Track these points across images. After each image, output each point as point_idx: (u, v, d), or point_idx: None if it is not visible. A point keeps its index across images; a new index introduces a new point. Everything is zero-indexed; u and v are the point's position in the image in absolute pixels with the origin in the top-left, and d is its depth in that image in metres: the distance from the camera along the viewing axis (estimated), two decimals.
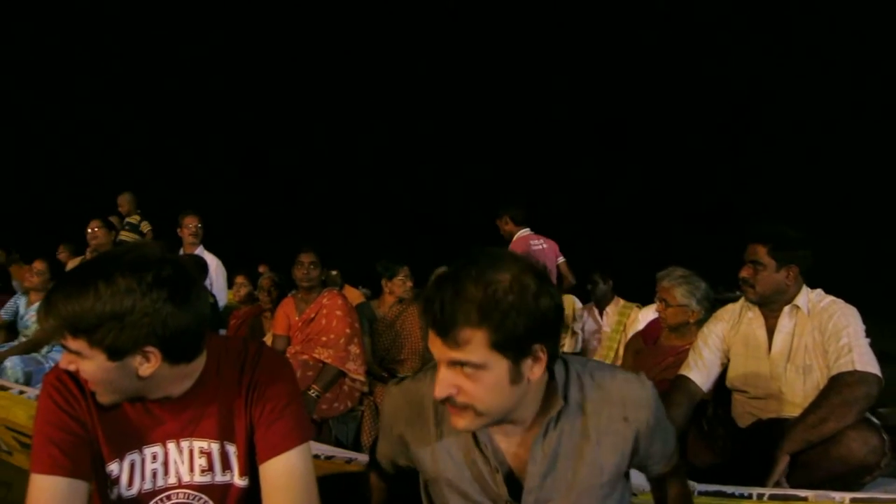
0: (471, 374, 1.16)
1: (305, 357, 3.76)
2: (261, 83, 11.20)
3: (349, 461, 2.74)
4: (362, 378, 3.84)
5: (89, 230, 4.96)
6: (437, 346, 1.18)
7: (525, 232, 5.51)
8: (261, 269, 6.40)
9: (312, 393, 3.58)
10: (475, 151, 11.15)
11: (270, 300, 4.61)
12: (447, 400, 1.19)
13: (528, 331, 1.14)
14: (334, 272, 6.28)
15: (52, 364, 4.36)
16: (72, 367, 1.22)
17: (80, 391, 1.30)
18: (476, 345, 1.13)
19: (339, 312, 3.86)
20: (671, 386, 2.63)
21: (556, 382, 1.29)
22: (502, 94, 11.05)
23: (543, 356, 1.19)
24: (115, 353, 1.18)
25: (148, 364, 1.22)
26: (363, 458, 2.81)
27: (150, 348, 1.21)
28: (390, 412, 1.44)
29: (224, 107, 11.18)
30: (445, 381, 1.18)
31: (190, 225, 5.03)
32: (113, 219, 6.04)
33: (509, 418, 1.26)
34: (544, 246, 5.45)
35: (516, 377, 1.17)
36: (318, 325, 3.86)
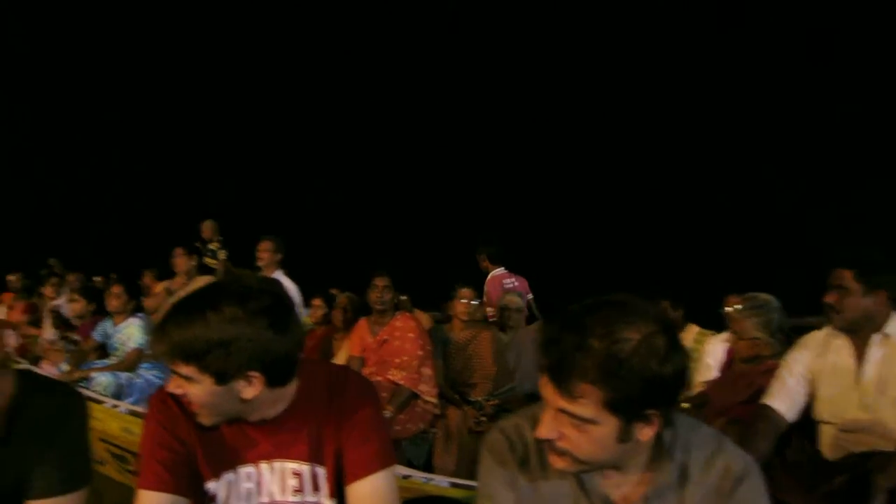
0: (578, 425, 1.12)
1: (379, 378, 3.84)
2: (329, 114, 11.51)
3: (427, 481, 2.78)
4: (434, 400, 3.89)
5: (174, 257, 5.23)
6: (548, 391, 1.14)
7: (500, 271, 5.96)
8: (333, 291, 6.54)
9: (386, 414, 3.65)
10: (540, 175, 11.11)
11: (344, 320, 4.68)
12: (548, 441, 1.17)
13: (645, 395, 1.10)
14: (404, 297, 6.37)
15: (143, 380, 4.60)
16: (179, 391, 1.29)
17: (183, 412, 1.36)
18: (589, 400, 1.09)
19: (411, 335, 3.93)
20: (754, 414, 2.56)
21: (664, 441, 1.23)
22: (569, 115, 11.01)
23: (657, 421, 1.14)
24: (222, 377, 1.25)
25: (251, 388, 1.28)
26: (440, 479, 2.85)
27: (253, 373, 1.27)
28: (492, 453, 1.35)
29: (301, 138, 11.54)
30: (551, 426, 1.15)
31: (267, 250, 5.22)
32: (196, 244, 6.34)
33: (611, 467, 1.23)
34: (516, 284, 5.85)
35: (624, 436, 1.13)
36: (391, 347, 3.94)
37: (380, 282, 4.04)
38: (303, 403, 1.40)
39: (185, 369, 1.25)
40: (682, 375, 1.14)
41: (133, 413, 3.94)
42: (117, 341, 4.79)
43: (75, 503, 1.43)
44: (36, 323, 6.40)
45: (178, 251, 5.24)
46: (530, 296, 6.05)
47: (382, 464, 1.40)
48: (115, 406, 4.03)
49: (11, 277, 7.78)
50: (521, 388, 4.43)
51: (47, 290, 6.51)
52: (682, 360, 1.13)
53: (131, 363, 4.60)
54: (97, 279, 7.36)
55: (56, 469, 1.40)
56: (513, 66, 11.06)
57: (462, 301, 4.24)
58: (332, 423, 1.41)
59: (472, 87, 11.16)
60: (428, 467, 3.71)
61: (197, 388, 1.27)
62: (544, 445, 1.21)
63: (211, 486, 1.38)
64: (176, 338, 1.23)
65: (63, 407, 1.46)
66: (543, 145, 10.95)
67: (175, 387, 1.29)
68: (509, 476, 1.30)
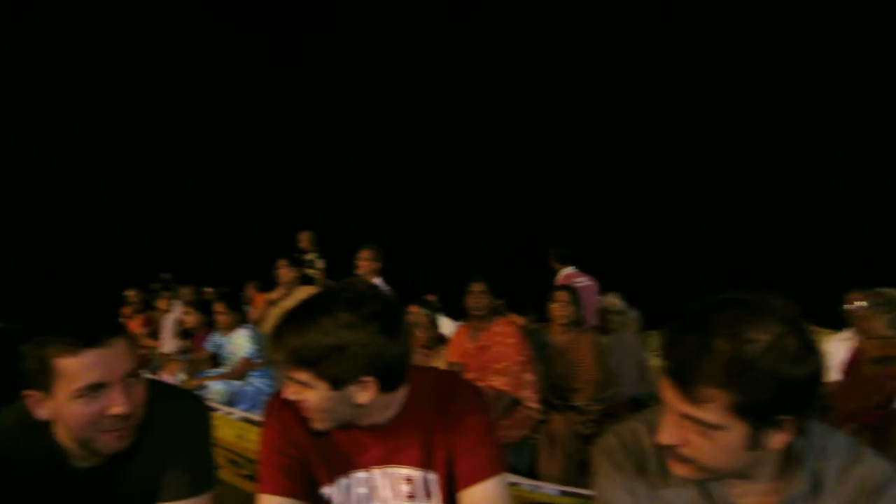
0: (703, 431, 1.06)
1: (481, 384, 3.82)
2: (418, 125, 11.67)
3: (534, 489, 2.74)
4: (536, 406, 3.84)
5: (278, 269, 5.41)
6: (670, 395, 1.08)
7: (569, 270, 5.94)
8: (429, 298, 6.60)
9: None
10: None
11: (427, 338, 4.41)
12: (670, 447, 1.11)
13: (777, 400, 1.02)
14: (498, 301, 6.36)
15: (253, 388, 4.79)
16: (296, 398, 1.32)
17: (297, 418, 1.38)
18: (715, 405, 1.03)
19: (511, 340, 3.90)
20: (889, 420, 2.37)
21: (795, 448, 1.15)
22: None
23: (790, 428, 1.06)
24: (337, 382, 1.27)
25: (365, 393, 1.30)
26: (549, 486, 2.80)
27: (367, 378, 1.28)
28: (608, 458, 1.29)
29: (393, 149, 11.76)
30: (673, 431, 1.10)
31: (366, 259, 5.33)
32: (295, 255, 6.55)
33: (738, 476, 1.16)
34: (587, 283, 5.79)
35: (753, 444, 1.07)
36: (491, 353, 3.92)
37: (476, 287, 4.05)
38: (412, 409, 1.40)
39: (302, 375, 1.27)
40: (816, 378, 1.05)
41: (246, 419, 4.11)
42: (228, 351, 5.00)
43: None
44: (154, 335, 6.80)
45: (282, 263, 5.42)
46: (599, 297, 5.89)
47: (494, 470, 1.38)
48: (229, 413, 4.22)
49: (129, 293, 8.29)
50: (625, 393, 4.31)
51: (162, 304, 6.88)
52: (816, 362, 1.04)
53: (241, 372, 4.80)
54: (207, 290, 7.73)
55: (184, 473, 1.44)
56: (588, 75, 10.88)
57: (559, 304, 4.17)
58: (443, 429, 1.40)
59: (554, 98, 11.07)
60: (530, 474, 3.66)
61: (313, 394, 1.29)
62: (665, 451, 1.15)
63: (326, 490, 1.40)
64: (292, 344, 1.26)
65: (189, 413, 1.51)
66: (625, 147, 10.73)
67: (291, 393, 1.32)
68: (627, 482, 1.25)
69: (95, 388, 1.26)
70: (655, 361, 5.12)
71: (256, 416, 4.13)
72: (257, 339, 5.01)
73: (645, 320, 5.47)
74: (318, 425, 1.35)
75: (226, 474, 4.06)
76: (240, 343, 4.96)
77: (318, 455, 1.39)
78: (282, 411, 1.41)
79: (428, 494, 1.40)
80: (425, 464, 1.40)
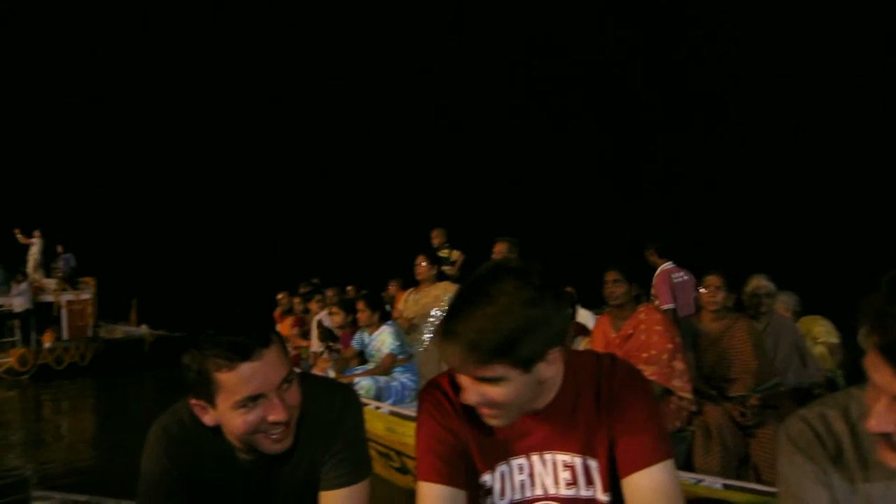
0: None
1: None
2: (546, 120, 11.59)
3: (697, 482, 2.60)
4: (689, 396, 3.65)
5: (417, 265, 5.52)
6: (883, 375, 0.96)
7: (668, 265, 5.89)
8: (567, 289, 6.51)
9: None
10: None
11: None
12: (883, 435, 0.99)
13: None
14: (637, 289, 6.18)
15: (398, 383, 4.93)
16: (481, 400, 1.23)
17: (454, 407, 1.35)
18: None
19: (658, 327, 3.74)
20: None
21: None
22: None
23: None
24: (528, 364, 1.20)
25: (551, 366, 1.24)
26: (712, 479, 2.65)
27: (552, 350, 1.22)
28: (798, 447, 1.17)
29: (523, 143, 11.82)
30: (887, 417, 0.97)
31: (502, 251, 5.32)
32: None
33: None
34: (685, 278, 5.77)
35: None
36: (637, 342, 3.78)
37: (610, 276, 3.93)
38: (570, 393, 1.34)
39: (495, 369, 1.19)
40: None
41: (393, 413, 4.23)
42: (373, 349, 5.16)
43: (362, 492, 1.48)
44: (305, 335, 7.19)
45: (421, 259, 5.53)
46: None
47: (662, 455, 1.28)
48: (377, 408, 4.37)
49: (280, 295, 8.84)
50: (787, 383, 4.00)
51: (313, 305, 7.23)
52: None
53: (386, 367, 4.95)
54: (349, 289, 8.08)
55: (342, 461, 1.46)
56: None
57: (709, 290, 3.95)
58: (603, 413, 1.33)
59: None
60: (685, 468, 3.49)
61: (504, 387, 1.20)
62: (875, 440, 1.01)
63: (486, 478, 1.36)
64: (479, 339, 1.15)
65: (342, 404, 1.52)
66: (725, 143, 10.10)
67: (476, 397, 1.23)
68: (821, 473, 1.12)
69: (254, 399, 1.31)
70: (819, 349, 4.71)
71: (403, 411, 4.24)
72: (400, 335, 5.13)
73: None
74: (502, 421, 1.29)
75: (377, 467, 4.21)
76: (384, 340, 5.08)
77: (477, 443, 1.36)
78: (437, 399, 1.39)
79: (589, 482, 1.33)
80: (585, 450, 1.33)
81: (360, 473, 1.49)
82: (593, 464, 1.33)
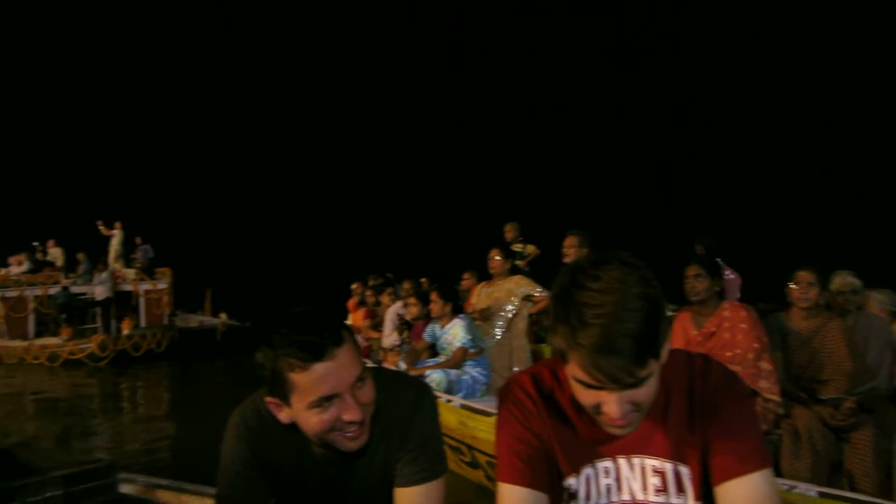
0: None
1: None
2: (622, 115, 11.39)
3: (790, 489, 2.47)
4: (777, 398, 3.48)
5: (490, 258, 5.46)
6: None
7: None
8: None
9: None
10: None
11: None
12: None
13: None
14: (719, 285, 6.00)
15: (469, 377, 4.90)
16: (629, 408, 1.15)
17: (535, 407, 1.30)
18: None
19: (743, 325, 3.58)
20: None
21: None
22: None
23: None
24: (660, 350, 1.13)
25: (666, 352, 1.17)
26: (806, 486, 2.51)
27: (668, 334, 1.16)
28: None
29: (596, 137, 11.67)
30: None
31: (573, 245, 5.20)
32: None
33: None
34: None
35: None
36: (720, 340, 3.63)
37: (691, 271, 3.78)
38: (660, 394, 1.25)
39: (650, 366, 1.10)
40: None
41: (465, 407, 4.20)
42: (444, 342, 5.14)
43: (437, 490, 1.45)
44: (377, 327, 7.25)
45: (494, 253, 5.47)
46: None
47: (760, 463, 1.20)
48: (449, 401, 4.34)
49: (354, 286, 8.97)
50: (879, 385, 3.77)
51: (384, 298, 7.29)
52: None
53: (458, 361, 4.92)
54: (423, 281, 8.11)
55: (417, 458, 1.44)
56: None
57: (800, 286, 3.75)
58: (697, 418, 1.25)
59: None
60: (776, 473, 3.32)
61: (648, 384, 1.13)
62: None
63: (571, 481, 1.30)
64: (625, 341, 1.06)
65: (416, 399, 1.49)
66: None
67: (627, 406, 1.14)
68: None
69: (328, 399, 1.29)
70: None
71: (475, 405, 4.20)
72: (471, 329, 5.10)
73: None
74: (635, 426, 1.21)
75: (449, 461, 4.19)
76: (455, 333, 5.05)
77: (560, 444, 1.30)
78: (519, 399, 1.33)
79: (680, 489, 1.25)
80: (676, 455, 1.26)
81: (436, 471, 1.46)
82: (685, 470, 1.26)
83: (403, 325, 6.21)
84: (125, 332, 15.71)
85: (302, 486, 1.50)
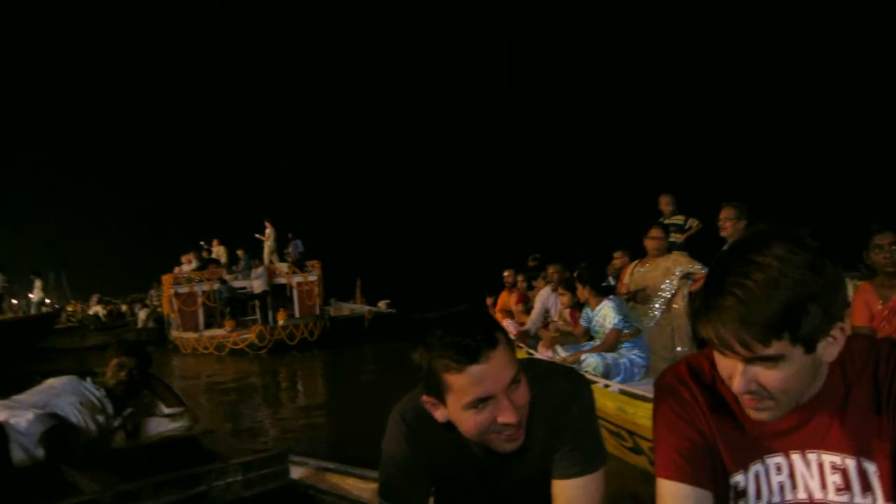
0: None
1: None
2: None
3: None
4: None
5: (651, 236, 5.15)
6: None
7: None
8: None
9: None
10: None
11: None
12: None
13: None
14: None
15: (626, 360, 4.68)
16: (752, 387, 1.07)
17: (696, 400, 1.21)
18: None
19: None
20: None
21: None
22: None
23: None
24: (811, 341, 1.02)
25: (834, 344, 1.05)
26: None
27: (836, 326, 1.03)
28: None
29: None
30: None
31: (729, 218, 4.80)
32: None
33: None
34: None
35: None
36: None
37: (884, 239, 3.42)
38: (839, 383, 1.13)
39: (773, 347, 1.01)
40: None
41: (624, 392, 4.00)
42: (596, 324, 5.02)
43: (596, 482, 1.41)
44: (529, 311, 7.17)
45: (654, 232, 5.15)
46: None
47: None
48: (606, 386, 4.16)
49: (506, 272, 8.97)
50: None
51: (539, 283, 7.22)
52: None
53: (611, 343, 4.74)
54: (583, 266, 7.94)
55: (574, 450, 1.40)
56: None
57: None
58: (883, 407, 1.10)
59: None
60: None
61: (782, 370, 1.03)
62: None
63: (738, 479, 1.20)
64: (753, 312, 0.99)
65: (570, 390, 1.46)
66: None
67: (747, 383, 1.06)
68: None
69: (482, 401, 1.28)
70: None
71: (634, 389, 4.00)
72: (622, 308, 4.94)
73: None
74: (770, 414, 1.10)
75: (609, 447, 4.01)
76: (605, 314, 4.93)
77: (724, 438, 1.19)
78: (677, 391, 1.23)
79: (866, 488, 1.11)
80: (861, 450, 1.11)
81: (595, 463, 1.42)
82: (871, 467, 1.12)
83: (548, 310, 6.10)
84: (280, 322, 16.76)
85: (460, 478, 1.51)
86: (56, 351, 17.82)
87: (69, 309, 30.94)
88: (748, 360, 1.04)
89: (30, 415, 2.52)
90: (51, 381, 2.85)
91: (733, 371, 1.07)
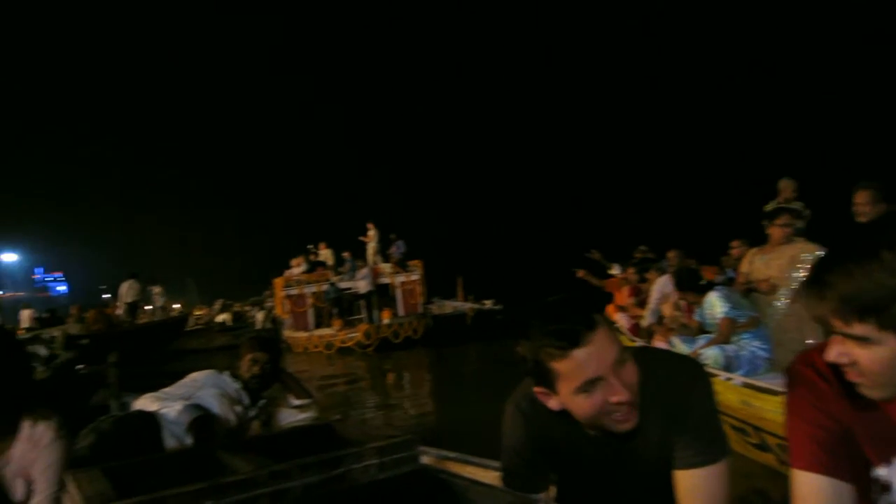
0: None
1: None
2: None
3: None
4: None
5: (777, 224, 4.88)
6: None
7: None
8: None
9: None
10: None
11: None
12: None
13: None
14: None
15: (748, 352, 4.49)
16: (844, 360, 1.06)
17: (830, 386, 1.15)
18: None
19: None
20: None
21: None
22: None
23: None
24: None
25: None
26: None
27: None
28: None
29: None
30: None
31: (866, 202, 4.44)
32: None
33: None
34: None
35: None
36: None
37: None
38: None
39: (859, 328, 1.01)
40: None
41: (747, 385, 3.85)
42: (708, 317, 4.87)
43: (719, 474, 1.38)
44: (642, 304, 7.03)
45: (784, 218, 4.85)
46: None
47: None
48: (728, 379, 4.01)
49: (612, 269, 8.83)
50: None
51: (651, 275, 7.07)
52: None
53: (726, 333, 4.59)
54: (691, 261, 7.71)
55: (694, 440, 1.38)
56: None
57: None
58: None
59: None
60: None
61: (872, 352, 1.02)
62: None
63: (881, 472, 1.14)
64: (845, 290, 0.99)
65: (689, 377, 1.44)
66: None
67: (838, 355, 1.06)
68: None
69: (592, 383, 1.30)
70: None
71: (758, 382, 3.83)
72: (730, 297, 4.81)
73: None
74: (874, 392, 1.07)
75: (733, 444, 3.86)
76: (713, 304, 4.80)
77: (865, 428, 1.13)
78: (810, 380, 1.19)
79: None
80: None
81: (717, 454, 1.39)
82: None
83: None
84: (385, 321, 17.19)
85: (579, 466, 1.51)
86: (186, 352, 19.12)
87: (196, 313, 33.07)
88: (843, 335, 1.04)
89: (178, 405, 2.73)
90: (194, 375, 3.07)
91: (832, 340, 1.08)
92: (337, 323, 17.38)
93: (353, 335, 16.58)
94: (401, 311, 18.60)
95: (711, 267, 7.41)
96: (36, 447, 1.83)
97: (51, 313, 19.67)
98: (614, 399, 1.30)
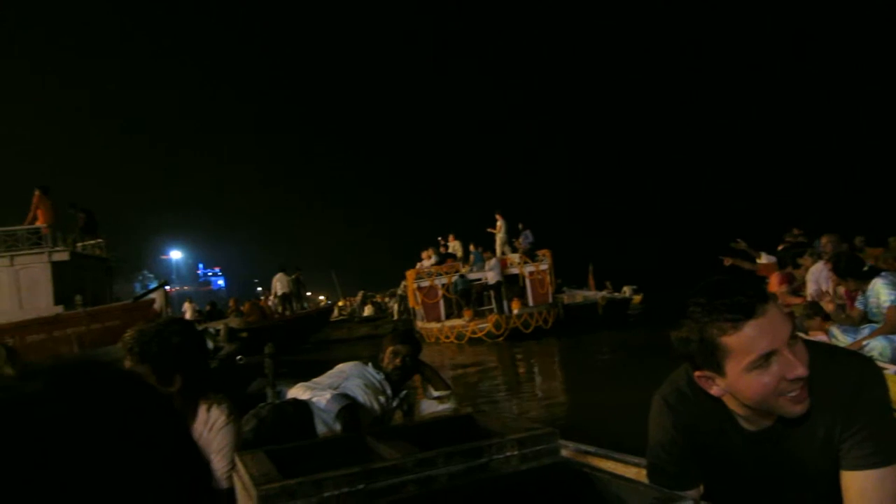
0: None
1: None
2: None
3: None
4: None
5: None
6: None
7: None
8: None
9: None
10: None
11: None
12: None
13: None
14: None
15: None
16: None
17: None
18: None
19: None
20: None
21: None
22: None
23: None
24: None
25: None
26: None
27: None
28: None
29: None
30: None
31: None
32: None
33: None
34: None
35: None
36: None
37: None
38: None
39: None
40: None
41: None
42: (872, 305, 4.56)
43: (891, 477, 1.26)
44: (795, 292, 6.61)
45: None
46: None
47: None
48: None
49: (759, 257, 8.38)
50: None
51: (805, 260, 6.65)
52: None
53: (894, 323, 4.23)
54: (858, 239, 7.18)
55: (866, 439, 1.27)
56: None
57: None
58: None
59: None
60: None
61: None
62: None
63: None
64: None
65: (858, 373, 1.33)
66: None
67: None
68: None
69: (767, 358, 1.22)
70: None
71: None
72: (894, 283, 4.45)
73: None
74: None
75: None
76: (878, 291, 4.48)
77: None
78: None
79: None
80: None
81: (891, 455, 1.27)
82: None
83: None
84: (515, 311, 17.21)
85: (730, 466, 1.44)
86: (331, 341, 20.14)
87: (340, 304, 34.77)
88: None
89: (327, 394, 2.91)
90: (341, 366, 3.25)
91: None
92: (467, 313, 17.64)
93: (483, 326, 16.77)
94: (531, 301, 18.56)
95: (876, 249, 6.83)
96: (211, 430, 2.04)
97: (212, 306, 21.48)
98: (791, 374, 1.22)
